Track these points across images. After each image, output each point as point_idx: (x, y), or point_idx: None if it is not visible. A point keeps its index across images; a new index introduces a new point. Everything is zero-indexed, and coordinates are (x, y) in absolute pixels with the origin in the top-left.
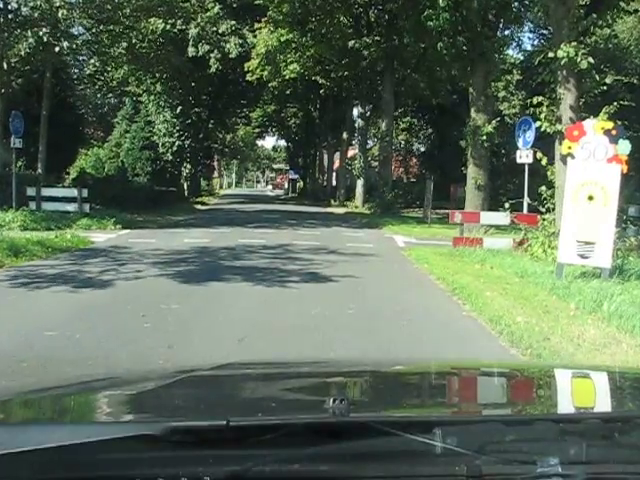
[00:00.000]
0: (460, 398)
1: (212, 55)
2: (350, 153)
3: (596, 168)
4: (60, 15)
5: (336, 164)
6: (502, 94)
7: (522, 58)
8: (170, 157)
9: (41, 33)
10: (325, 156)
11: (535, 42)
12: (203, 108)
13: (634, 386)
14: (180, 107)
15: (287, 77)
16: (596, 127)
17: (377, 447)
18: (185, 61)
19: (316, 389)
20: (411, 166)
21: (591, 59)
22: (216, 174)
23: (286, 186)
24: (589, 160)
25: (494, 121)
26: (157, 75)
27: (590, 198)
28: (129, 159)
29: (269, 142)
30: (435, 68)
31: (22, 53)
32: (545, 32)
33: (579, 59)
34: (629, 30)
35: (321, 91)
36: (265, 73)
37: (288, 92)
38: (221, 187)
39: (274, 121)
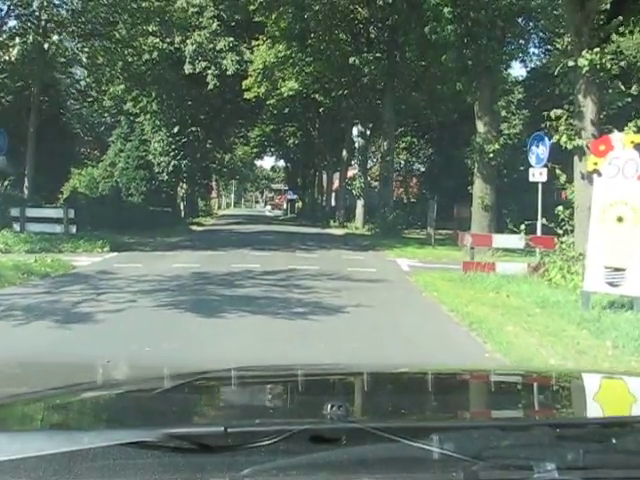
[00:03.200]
0: (457, 404)
1: (209, 72)
2: (350, 173)
3: (626, 186)
4: (43, 17)
5: (335, 184)
6: (502, 114)
7: (524, 75)
8: (166, 177)
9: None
10: (324, 176)
11: (540, 60)
12: (201, 127)
13: (631, 390)
14: (177, 126)
15: (285, 94)
16: (625, 141)
17: (375, 453)
18: (181, 78)
19: (314, 395)
20: (411, 186)
21: (623, 64)
22: (214, 194)
23: (285, 206)
24: (617, 177)
25: (501, 138)
26: (153, 94)
27: (619, 220)
28: (123, 179)
29: (268, 162)
30: (436, 86)
31: (10, 58)
32: (550, 47)
33: (609, 65)
34: (635, 46)
35: (320, 109)
36: (262, 90)
37: (286, 111)
38: (219, 207)
39: (272, 141)
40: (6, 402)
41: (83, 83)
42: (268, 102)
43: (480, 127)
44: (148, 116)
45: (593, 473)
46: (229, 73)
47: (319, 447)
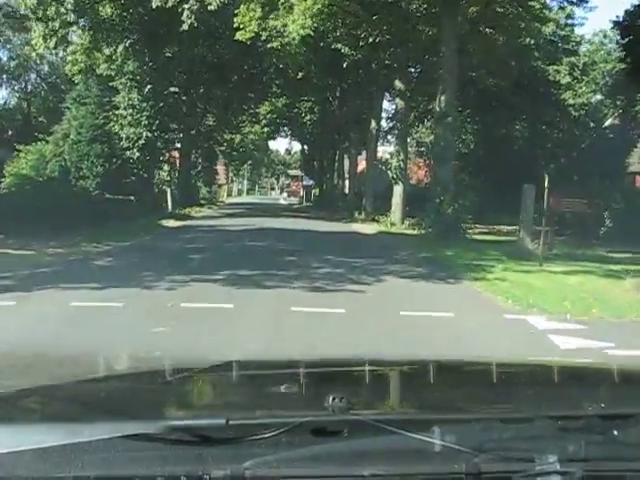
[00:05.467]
0: (459, 396)
1: (185, 7)
2: (379, 152)
3: None
4: None
5: (361, 166)
6: (566, 80)
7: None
8: (137, 154)
9: None
10: (346, 160)
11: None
12: (198, 99)
13: (632, 383)
14: (149, 86)
15: (293, 35)
16: None
17: (376, 445)
18: (150, 14)
19: (315, 387)
20: None
21: None
22: (223, 180)
23: (302, 194)
24: None
25: None
26: (123, 43)
27: None
28: (73, 155)
29: (282, 144)
30: (496, 38)
31: None
32: None
33: None
34: None
35: (343, 65)
36: (257, 15)
37: (300, 76)
38: (230, 195)
39: (286, 118)
40: (7, 394)
41: None
42: (270, 46)
43: None
44: (124, 79)
45: (594, 465)
46: (212, 8)
47: (321, 439)
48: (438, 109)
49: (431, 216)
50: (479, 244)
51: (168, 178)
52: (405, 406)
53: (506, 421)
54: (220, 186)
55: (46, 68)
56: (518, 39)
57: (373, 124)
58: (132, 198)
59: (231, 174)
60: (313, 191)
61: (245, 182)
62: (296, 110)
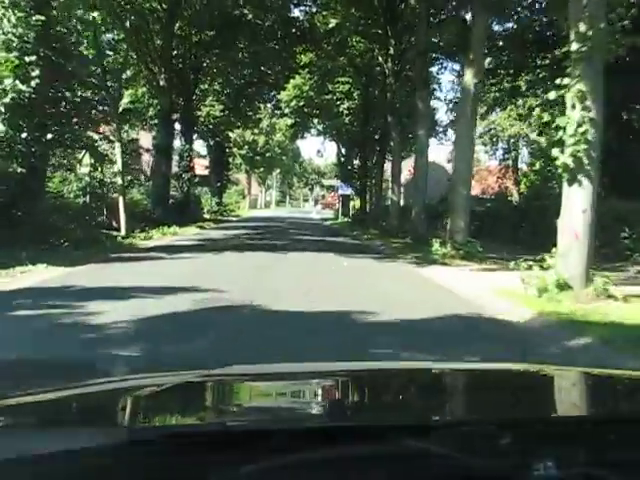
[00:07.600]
0: (454, 401)
1: None
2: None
3: None
4: None
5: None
6: None
7: None
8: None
9: None
10: (405, 160)
11: None
12: (190, 70)
13: (629, 387)
14: None
15: None
16: None
17: (372, 451)
18: None
19: (313, 393)
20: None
21: None
22: (245, 190)
23: (337, 206)
24: None
25: None
26: None
27: None
28: None
29: (313, 146)
30: None
31: None
32: None
33: None
34: None
35: None
36: None
37: (333, 24)
38: (254, 207)
39: (315, 107)
40: (2, 401)
41: None
42: None
43: None
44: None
45: (592, 469)
46: None
47: (317, 445)
48: None
49: None
50: None
51: (116, 180)
52: (401, 412)
53: (502, 426)
54: (244, 197)
55: None
56: None
57: (469, 76)
58: None
59: (255, 183)
60: (352, 203)
61: (274, 193)
62: (329, 96)
